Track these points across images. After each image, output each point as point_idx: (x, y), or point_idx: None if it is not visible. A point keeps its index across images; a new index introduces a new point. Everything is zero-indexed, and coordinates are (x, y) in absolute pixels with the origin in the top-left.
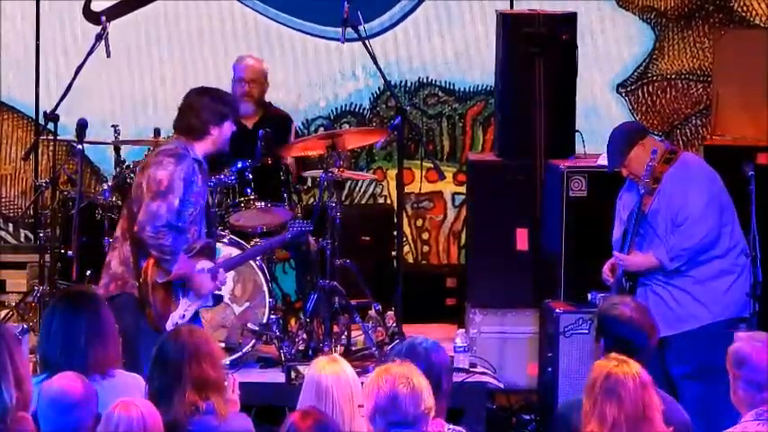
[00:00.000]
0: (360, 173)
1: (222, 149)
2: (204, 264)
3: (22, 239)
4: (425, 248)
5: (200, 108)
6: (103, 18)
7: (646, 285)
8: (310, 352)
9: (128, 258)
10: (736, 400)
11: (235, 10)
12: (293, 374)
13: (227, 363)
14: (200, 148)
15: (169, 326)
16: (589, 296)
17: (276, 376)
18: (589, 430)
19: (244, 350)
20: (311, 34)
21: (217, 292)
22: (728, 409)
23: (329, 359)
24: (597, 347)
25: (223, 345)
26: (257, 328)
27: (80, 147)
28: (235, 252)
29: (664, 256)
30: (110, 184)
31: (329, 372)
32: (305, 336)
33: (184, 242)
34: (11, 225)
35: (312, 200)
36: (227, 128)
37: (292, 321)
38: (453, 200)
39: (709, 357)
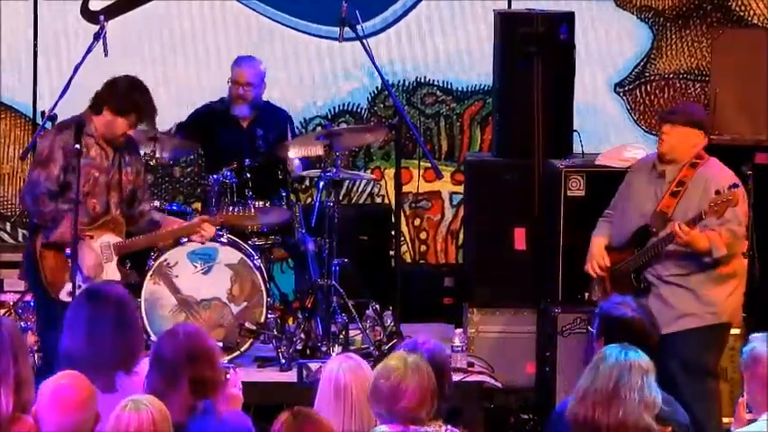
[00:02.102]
0: (358, 172)
1: (107, 138)
2: (108, 238)
3: (20, 239)
4: (423, 248)
5: (113, 87)
6: (101, 17)
7: (652, 283)
8: (308, 351)
9: None
10: (751, 400)
11: (233, 9)
12: (305, 372)
13: (225, 362)
14: (97, 123)
15: (63, 295)
16: (587, 295)
17: (274, 375)
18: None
19: (242, 349)
20: (309, 33)
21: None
22: (720, 409)
23: (345, 357)
24: (597, 345)
25: (221, 344)
26: (255, 328)
27: (77, 146)
28: (232, 253)
29: (720, 243)
30: None
31: (347, 370)
32: (303, 335)
33: (83, 213)
34: (8, 224)
35: (310, 199)
36: (121, 124)
37: (290, 321)
38: (451, 199)
39: (705, 357)
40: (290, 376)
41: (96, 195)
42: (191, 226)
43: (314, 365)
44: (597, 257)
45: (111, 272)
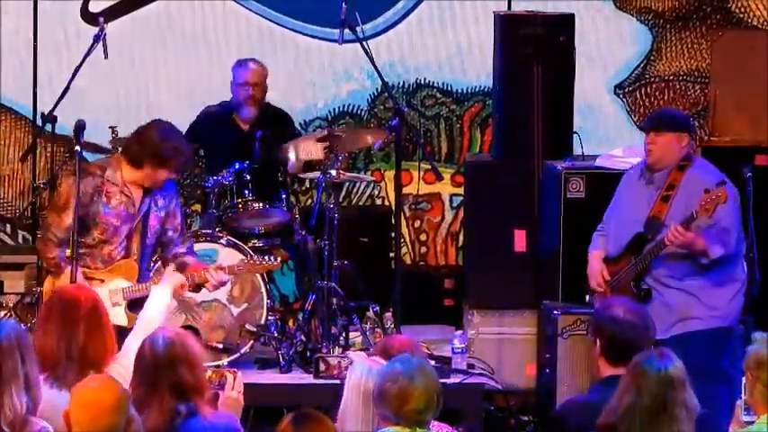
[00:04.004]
0: (358, 174)
1: (151, 188)
2: (118, 283)
3: (20, 240)
4: (423, 250)
5: (147, 140)
6: (101, 19)
7: (654, 288)
8: (308, 353)
9: None
10: (752, 402)
11: (233, 11)
12: (323, 366)
13: (225, 364)
14: (130, 175)
15: None
16: (587, 297)
17: (274, 377)
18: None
19: (242, 351)
20: (309, 35)
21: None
22: (723, 412)
23: (370, 361)
24: (594, 348)
25: (221, 346)
26: (255, 330)
27: (78, 148)
28: (233, 254)
29: (714, 245)
30: None
31: (375, 376)
32: (303, 337)
33: (97, 259)
34: (8, 226)
35: (310, 201)
36: (162, 174)
37: (290, 322)
38: (451, 201)
39: (708, 360)
40: (291, 378)
41: (114, 243)
42: (202, 275)
43: (333, 360)
44: (597, 273)
45: (120, 317)
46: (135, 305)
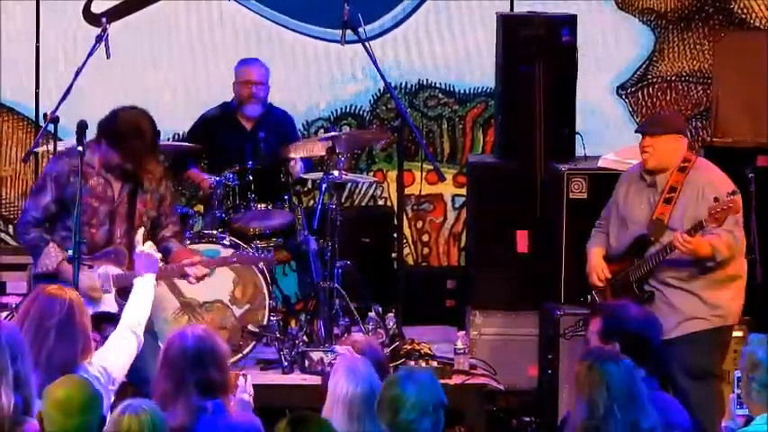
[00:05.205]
0: (360, 175)
1: (106, 168)
2: (108, 269)
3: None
4: (426, 250)
5: (113, 118)
6: (103, 19)
7: (657, 289)
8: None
9: None
10: (749, 403)
11: (235, 12)
12: (306, 363)
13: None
14: (98, 153)
15: None
16: (589, 298)
17: (276, 378)
18: None
19: (244, 352)
20: (311, 36)
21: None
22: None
23: (352, 367)
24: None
25: None
26: (257, 330)
27: (80, 148)
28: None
29: (722, 246)
30: None
31: (359, 385)
32: (305, 338)
33: (88, 244)
34: (11, 227)
35: (312, 202)
36: (112, 157)
37: (293, 323)
38: (453, 202)
39: (711, 360)
40: (293, 379)
41: (96, 225)
42: (180, 268)
43: (315, 356)
44: (597, 268)
45: (110, 303)
46: (125, 292)
